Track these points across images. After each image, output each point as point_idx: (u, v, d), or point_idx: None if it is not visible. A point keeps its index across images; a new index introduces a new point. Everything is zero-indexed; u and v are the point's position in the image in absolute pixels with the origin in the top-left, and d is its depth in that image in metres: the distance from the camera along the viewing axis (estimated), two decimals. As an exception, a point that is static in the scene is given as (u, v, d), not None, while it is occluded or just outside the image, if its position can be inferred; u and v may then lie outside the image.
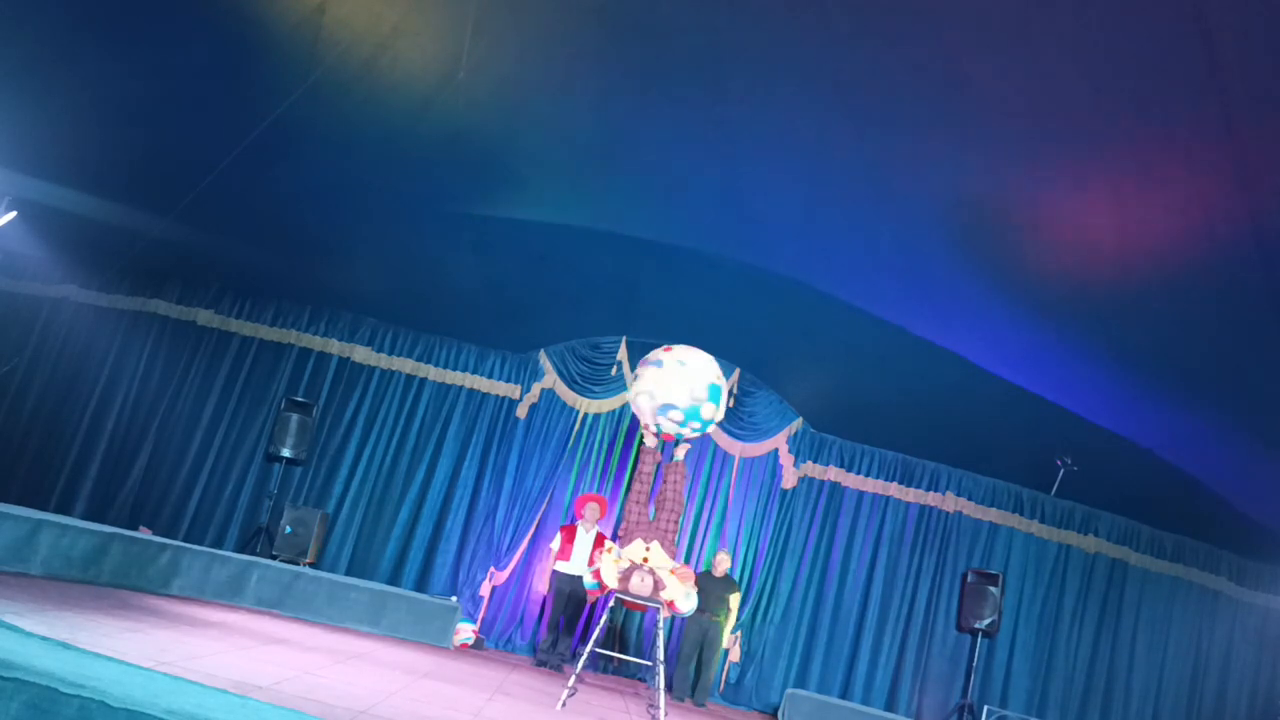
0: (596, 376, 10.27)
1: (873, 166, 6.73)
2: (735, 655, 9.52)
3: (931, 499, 10.33)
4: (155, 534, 8.33)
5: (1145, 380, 8.00)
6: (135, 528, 8.97)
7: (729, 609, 9.13)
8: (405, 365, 10.41)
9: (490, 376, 10.38)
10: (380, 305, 10.38)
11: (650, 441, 6.92)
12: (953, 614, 9.98)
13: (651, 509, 6.84)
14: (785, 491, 10.22)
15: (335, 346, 10.43)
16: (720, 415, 6.74)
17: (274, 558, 8.84)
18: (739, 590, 9.38)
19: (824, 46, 5.81)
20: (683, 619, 8.74)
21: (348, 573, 9.55)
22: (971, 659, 9.68)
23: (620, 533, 6.79)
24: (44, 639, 2.86)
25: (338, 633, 7.44)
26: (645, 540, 6.48)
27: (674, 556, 6.56)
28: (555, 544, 9.09)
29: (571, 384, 10.29)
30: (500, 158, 7.67)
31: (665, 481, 6.89)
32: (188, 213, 8.37)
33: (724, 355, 9.64)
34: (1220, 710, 10.22)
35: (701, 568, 9.62)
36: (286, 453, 9.70)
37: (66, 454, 10.18)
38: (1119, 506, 10.34)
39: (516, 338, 10.36)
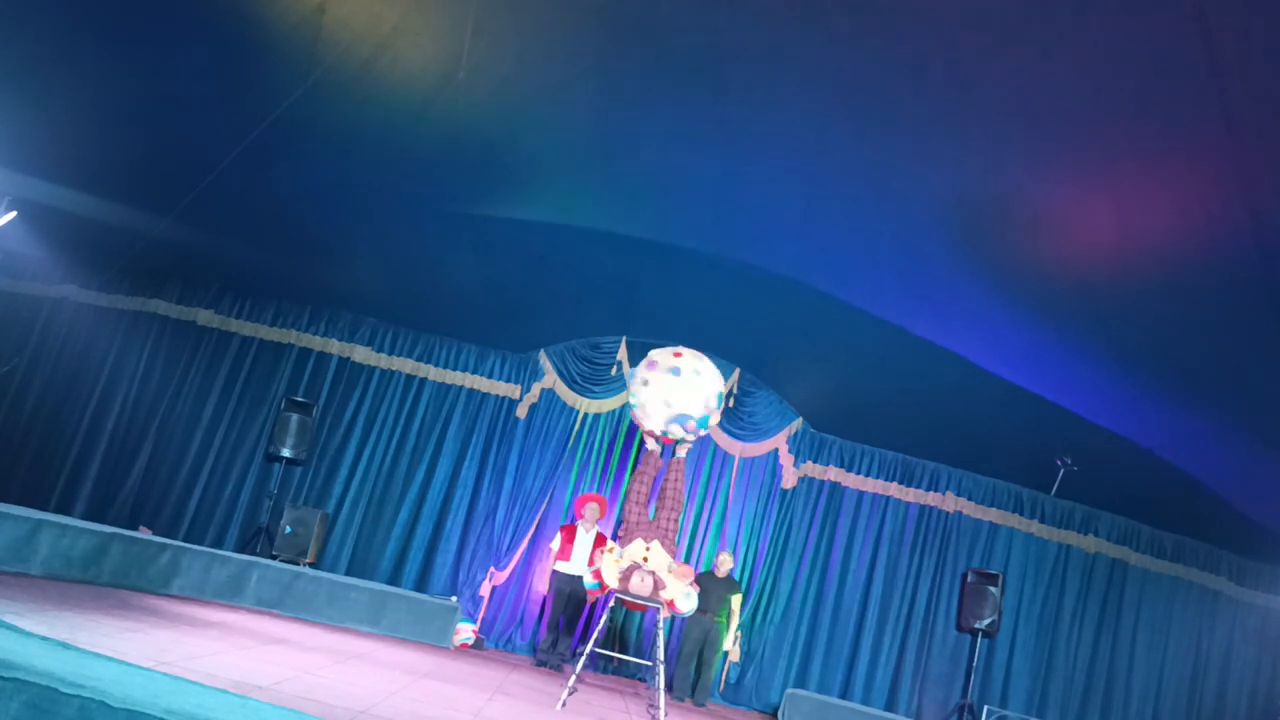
0: (596, 376, 10.27)
1: (873, 166, 6.73)
2: (735, 655, 9.51)
3: (931, 499, 10.32)
4: (155, 534, 8.33)
5: (1145, 380, 7.99)
6: (135, 528, 8.96)
7: (731, 610, 9.10)
8: (405, 365, 10.41)
9: (490, 376, 10.38)
10: (380, 305, 10.38)
11: (653, 446, 6.92)
12: (953, 614, 9.98)
13: (652, 508, 6.84)
14: (785, 491, 10.22)
15: (335, 346, 10.43)
16: (718, 418, 6.80)
17: (274, 558, 8.84)
18: (741, 592, 9.33)
19: (824, 46, 5.81)
20: (683, 619, 8.74)
21: (348, 573, 9.55)
22: (971, 659, 9.68)
23: (620, 532, 6.79)
24: (44, 639, 2.86)
25: (338, 633, 7.44)
26: (645, 540, 6.48)
27: (674, 556, 6.56)
28: (555, 544, 9.09)
29: (571, 384, 10.29)
30: (500, 158, 7.67)
31: (665, 479, 6.89)
32: (188, 213, 8.37)
33: (724, 355, 9.67)
34: (1220, 710, 10.22)
35: (701, 568, 9.61)
36: (286, 453, 9.70)
37: (66, 454, 10.18)
38: (1119, 506, 10.34)
39: (516, 338, 10.36)
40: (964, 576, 9.96)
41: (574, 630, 9.03)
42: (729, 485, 10.20)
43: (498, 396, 10.36)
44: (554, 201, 8.25)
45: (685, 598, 6.28)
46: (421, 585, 9.73)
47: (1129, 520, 10.42)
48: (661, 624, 6.42)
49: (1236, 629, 10.42)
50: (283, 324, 10.51)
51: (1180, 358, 7.54)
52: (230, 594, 7.72)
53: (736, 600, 9.15)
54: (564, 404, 10.27)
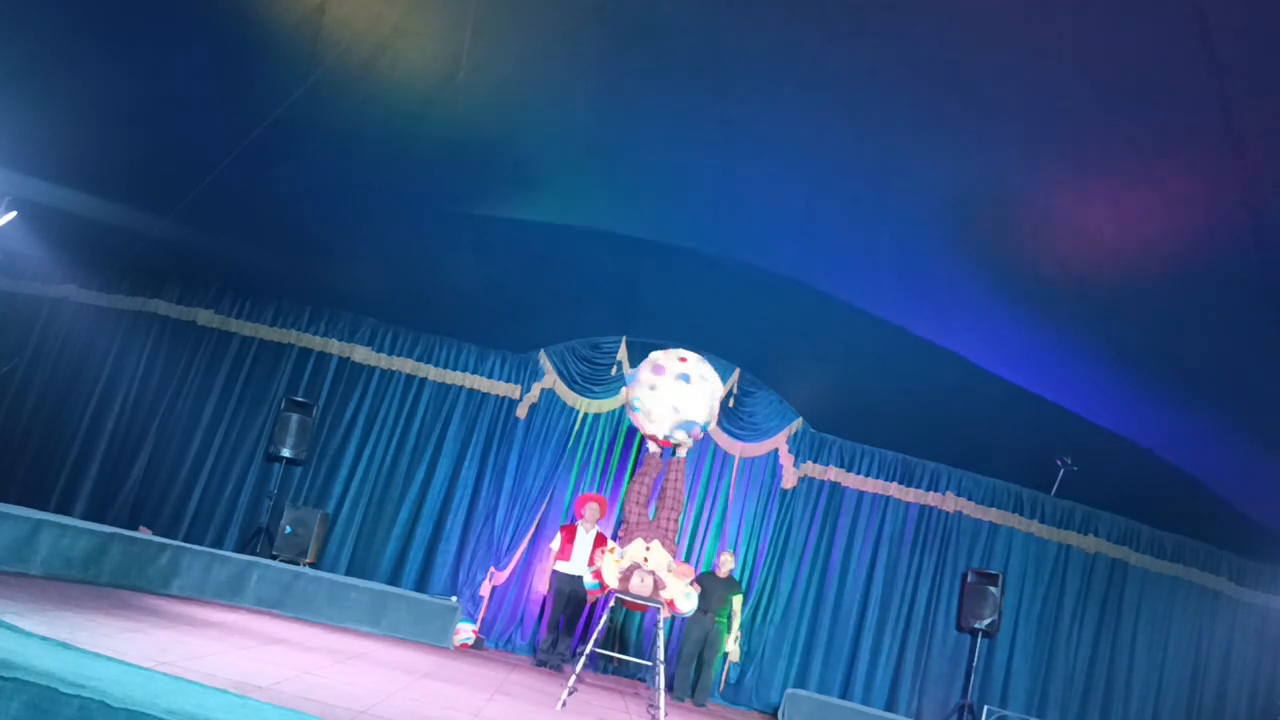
0: (596, 376, 10.26)
1: (873, 166, 6.74)
2: (735, 655, 9.51)
3: (931, 499, 10.32)
4: (155, 534, 8.33)
5: (1145, 380, 8.00)
6: (135, 528, 8.96)
7: (732, 611, 9.07)
8: (405, 365, 10.41)
9: (490, 376, 10.38)
10: (380, 305, 10.38)
11: (654, 449, 6.92)
12: (953, 614, 9.98)
13: (652, 507, 6.84)
14: (785, 491, 10.22)
15: (335, 346, 10.43)
16: (716, 419, 6.84)
17: (274, 558, 8.84)
18: (742, 592, 9.29)
19: (824, 46, 5.81)
20: (683, 619, 8.74)
21: (348, 573, 9.55)
22: (971, 659, 9.68)
23: (620, 532, 6.79)
24: (44, 639, 2.86)
25: (338, 633, 7.44)
26: (645, 540, 6.48)
27: (674, 555, 6.55)
28: (555, 544, 9.08)
29: (571, 384, 10.29)
30: (500, 158, 7.67)
31: (665, 479, 6.89)
32: (188, 213, 8.37)
33: (724, 355, 9.68)
34: (1220, 710, 10.22)
35: (701, 568, 9.61)
36: (286, 453, 9.70)
37: (66, 454, 10.18)
38: (1119, 506, 10.34)
39: (516, 338, 10.36)
40: (964, 576, 9.96)
41: (574, 630, 9.03)
42: (729, 485, 10.20)
43: (498, 396, 10.36)
44: (554, 201, 8.24)
45: (685, 597, 6.28)
46: (421, 585, 9.73)
47: (1129, 520, 10.42)
48: (661, 624, 6.42)
49: (1236, 629, 10.41)
50: (283, 324, 10.51)
51: (1180, 358, 7.54)
52: (230, 594, 7.72)
53: (738, 601, 9.12)
54: (564, 404, 10.27)
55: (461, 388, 10.37)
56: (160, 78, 7.28)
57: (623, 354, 10.21)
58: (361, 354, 10.41)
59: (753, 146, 6.86)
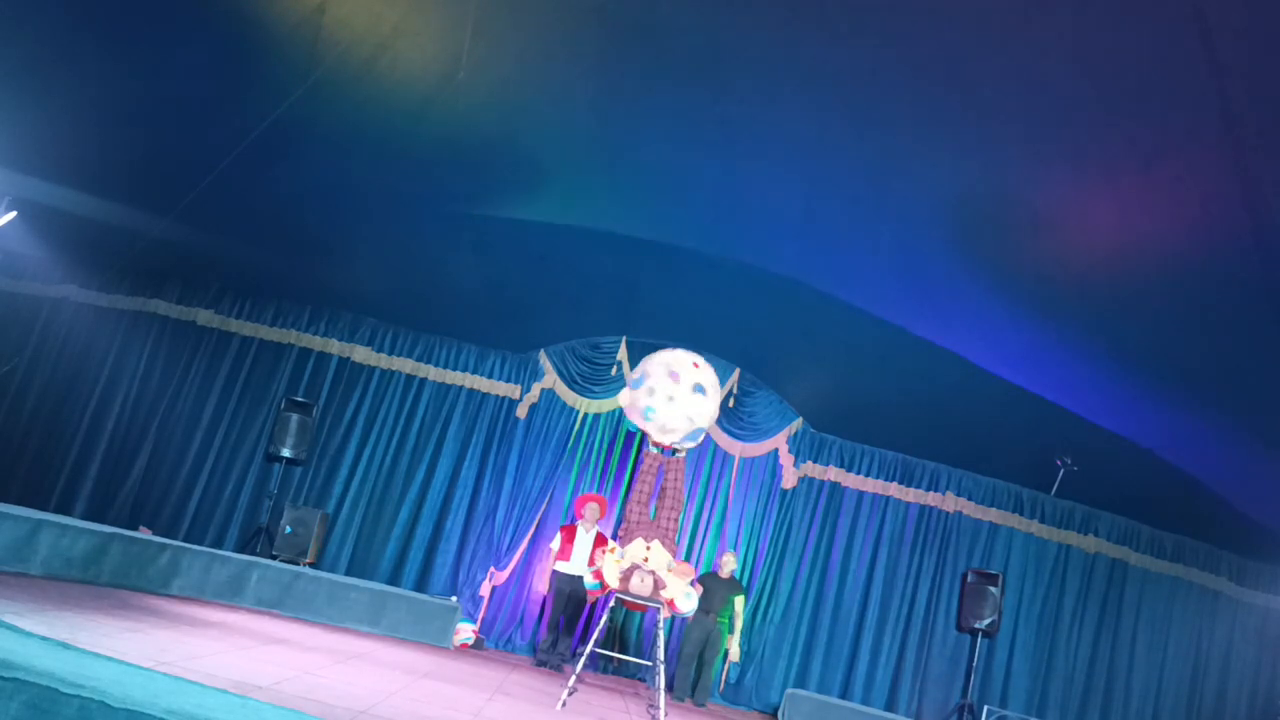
0: (596, 376, 10.26)
1: (873, 166, 6.74)
2: (735, 655, 9.50)
3: (931, 499, 10.32)
4: (155, 534, 8.33)
5: (1145, 380, 8.00)
6: (135, 528, 8.96)
7: (734, 612, 9.02)
8: (405, 365, 10.41)
9: (490, 376, 10.38)
10: (380, 305, 10.38)
11: (656, 449, 6.93)
12: (953, 614, 9.98)
13: (653, 507, 6.84)
14: (785, 491, 10.22)
15: (335, 346, 10.43)
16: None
17: (274, 558, 8.84)
18: (744, 594, 9.22)
19: (824, 46, 5.81)
20: (683, 619, 8.73)
21: (348, 573, 9.55)
22: (971, 659, 9.68)
23: (621, 532, 6.79)
24: (44, 639, 2.86)
25: (338, 633, 7.44)
26: (646, 539, 6.48)
27: (674, 555, 6.55)
28: (555, 544, 9.08)
29: (571, 384, 10.29)
30: (500, 158, 7.67)
31: (665, 479, 6.89)
32: (188, 213, 8.37)
33: (724, 355, 9.68)
34: (1220, 710, 10.22)
35: (701, 568, 9.61)
36: (286, 453, 9.70)
37: (66, 454, 10.18)
38: (1119, 506, 10.34)
39: (516, 338, 10.36)
40: (964, 576, 9.96)
41: (574, 630, 9.03)
42: (729, 485, 10.20)
43: (498, 396, 10.36)
44: (554, 201, 8.24)
45: (685, 597, 6.28)
46: (421, 585, 9.73)
47: (1129, 520, 10.42)
48: (661, 624, 6.42)
49: (1236, 629, 10.41)
50: (283, 324, 10.51)
51: (1180, 358, 7.54)
52: (230, 594, 7.72)
53: (740, 602, 9.05)
54: (564, 404, 10.27)
55: (461, 388, 10.37)
56: (160, 78, 7.28)
57: (623, 354, 10.21)
58: (361, 354, 10.41)
59: (753, 146, 6.86)
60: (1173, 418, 8.35)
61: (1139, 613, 10.26)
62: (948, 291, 7.82)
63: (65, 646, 2.81)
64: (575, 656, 8.51)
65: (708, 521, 10.08)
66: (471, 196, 8.24)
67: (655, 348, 6.98)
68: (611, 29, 6.17)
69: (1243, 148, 5.40)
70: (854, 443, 10.43)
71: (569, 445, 10.14)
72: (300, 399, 9.92)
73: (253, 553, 8.91)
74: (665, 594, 6.25)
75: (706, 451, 10.17)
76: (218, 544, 9.52)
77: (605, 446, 10.23)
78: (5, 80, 7.05)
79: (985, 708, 9.45)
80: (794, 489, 10.23)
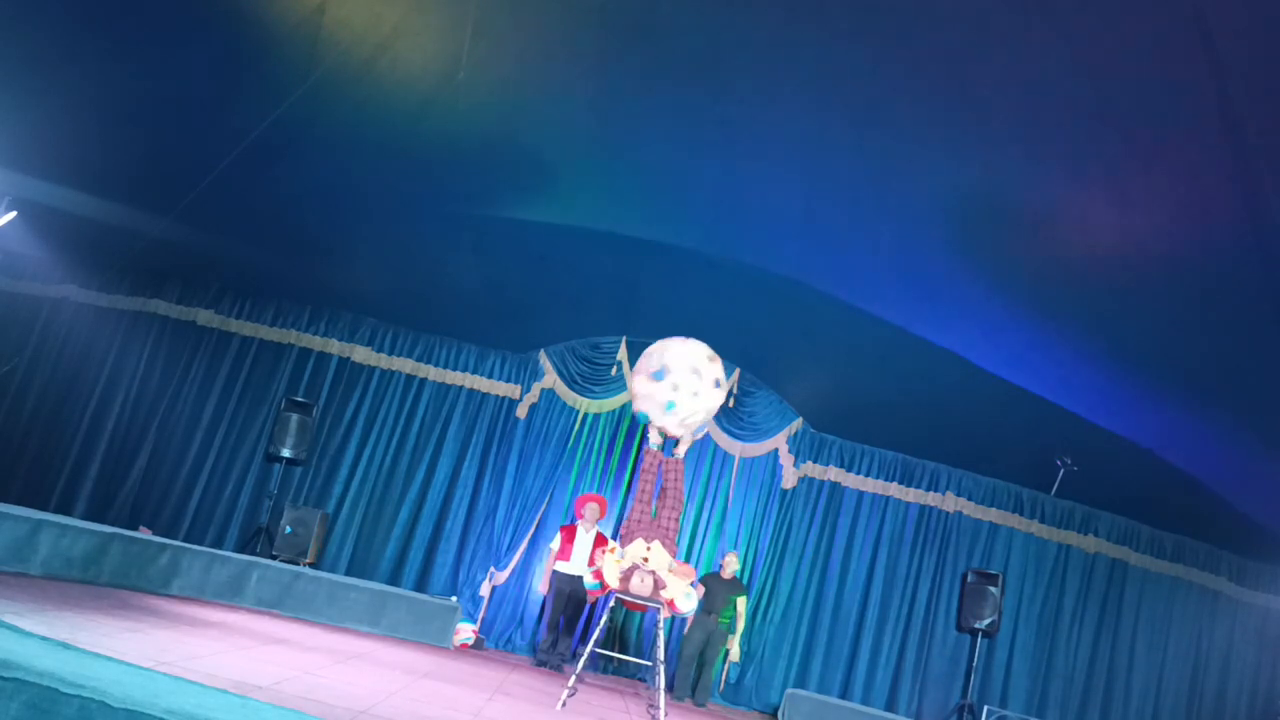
0: (596, 376, 10.26)
1: (873, 166, 6.74)
2: (735, 655, 9.50)
3: (931, 499, 10.32)
4: (155, 534, 8.33)
5: (1145, 380, 8.00)
6: (135, 528, 8.97)
7: (736, 612, 8.99)
8: (405, 365, 10.41)
9: (490, 376, 10.38)
10: (380, 305, 10.38)
11: (655, 439, 6.92)
12: (953, 614, 9.98)
13: (653, 506, 6.83)
14: (785, 491, 10.22)
15: (335, 346, 10.43)
16: None
17: (274, 558, 8.84)
18: (746, 594, 9.18)
19: (824, 46, 5.81)
20: (684, 619, 8.73)
21: (348, 573, 9.55)
22: (971, 659, 9.68)
23: (621, 532, 6.79)
24: (44, 639, 2.86)
25: (338, 633, 7.44)
26: (646, 539, 6.48)
27: (674, 555, 6.55)
28: (555, 544, 9.08)
29: (571, 384, 10.29)
30: (500, 158, 7.67)
31: (666, 478, 6.89)
32: (188, 213, 8.37)
33: (724, 355, 9.56)
34: (1220, 710, 10.22)
35: (701, 568, 9.60)
36: (286, 453, 9.70)
37: (66, 454, 10.18)
38: (1119, 506, 10.34)
39: (516, 338, 10.36)
40: (964, 576, 9.96)
41: (574, 630, 9.03)
42: (729, 485, 10.20)
43: (498, 396, 10.36)
44: (554, 201, 8.25)
45: (686, 597, 6.27)
46: (421, 585, 9.73)
47: (1129, 520, 10.42)
48: (662, 624, 6.42)
49: (1236, 629, 10.41)
50: (283, 324, 10.51)
51: (1180, 358, 7.54)
52: (230, 594, 7.72)
53: (742, 603, 8.98)
54: (564, 404, 10.27)
55: (461, 388, 10.37)
56: (160, 78, 7.28)
57: (623, 354, 10.21)
58: (361, 354, 10.41)
59: (753, 146, 6.86)
60: (1173, 417, 8.35)
61: (1139, 613, 10.26)
62: (948, 291, 7.82)
63: (65, 646, 2.81)
64: (575, 656, 8.52)
65: (708, 522, 10.08)
66: (471, 196, 8.24)
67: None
68: (611, 29, 6.18)
69: (1243, 148, 5.40)
70: (854, 443, 10.43)
71: (569, 445, 10.14)
72: (300, 399, 9.92)
73: (253, 553, 8.91)
74: (665, 594, 6.25)
75: (706, 451, 10.17)
76: (218, 544, 9.52)
77: (605, 446, 10.23)
78: (6, 79, 7.05)
79: (985, 708, 9.46)
80: (794, 489, 10.23)
